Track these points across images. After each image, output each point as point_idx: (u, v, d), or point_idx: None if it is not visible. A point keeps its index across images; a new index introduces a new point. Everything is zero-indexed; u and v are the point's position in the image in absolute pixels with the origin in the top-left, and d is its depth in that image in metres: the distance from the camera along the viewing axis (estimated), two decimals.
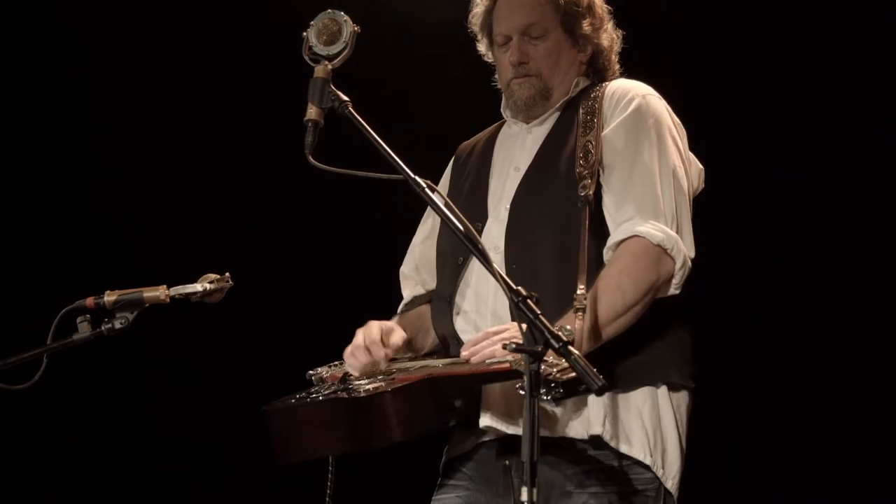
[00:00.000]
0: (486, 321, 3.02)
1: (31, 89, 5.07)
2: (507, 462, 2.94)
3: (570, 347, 2.38)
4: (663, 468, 2.96)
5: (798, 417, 4.69)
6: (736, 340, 4.65)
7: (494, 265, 2.51)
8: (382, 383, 2.81)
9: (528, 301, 2.43)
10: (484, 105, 3.33)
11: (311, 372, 3.11)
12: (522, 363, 2.41)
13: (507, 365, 2.69)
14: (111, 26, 5.05)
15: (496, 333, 2.83)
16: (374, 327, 3.08)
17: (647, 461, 2.93)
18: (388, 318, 3.23)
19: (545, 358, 2.50)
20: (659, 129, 3.04)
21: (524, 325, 2.60)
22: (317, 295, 5.12)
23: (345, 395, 2.81)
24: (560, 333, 2.39)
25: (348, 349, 3.06)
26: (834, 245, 4.66)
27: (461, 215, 2.59)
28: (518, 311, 2.43)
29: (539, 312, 2.41)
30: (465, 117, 3.44)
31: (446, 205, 2.60)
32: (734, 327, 4.64)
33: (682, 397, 3.03)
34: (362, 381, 2.89)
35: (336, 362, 3.12)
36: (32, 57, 5.06)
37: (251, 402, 3.04)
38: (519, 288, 2.44)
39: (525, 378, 2.38)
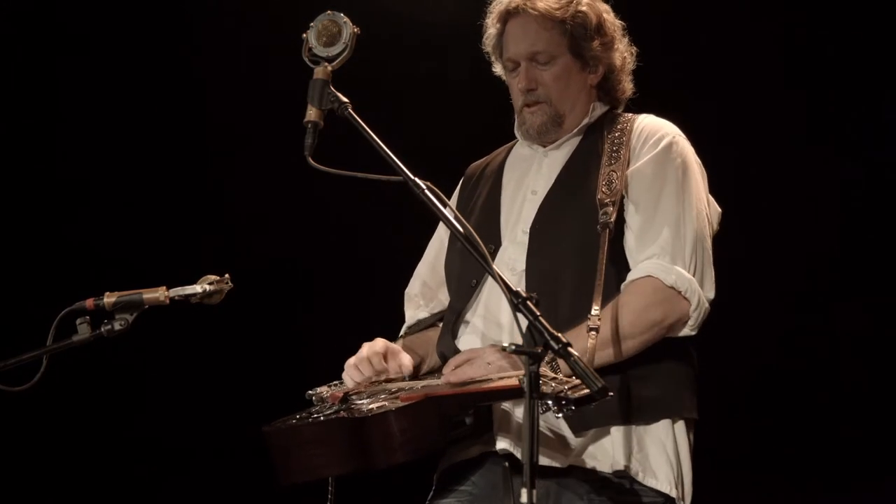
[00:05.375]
0: (492, 331, 3.01)
1: (31, 88, 5.06)
2: (506, 464, 2.93)
3: (570, 349, 2.37)
4: (683, 500, 2.96)
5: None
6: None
7: (495, 267, 2.50)
8: (386, 402, 2.76)
9: (528, 302, 2.42)
10: (484, 107, 3.32)
11: (310, 392, 3.06)
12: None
13: (516, 382, 2.63)
14: (110, 26, 5.04)
15: (478, 355, 2.83)
16: (379, 341, 3.07)
17: (674, 494, 2.93)
18: (390, 336, 3.21)
19: (555, 375, 2.51)
20: (685, 171, 3.03)
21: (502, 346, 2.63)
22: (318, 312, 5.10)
23: (347, 414, 2.76)
24: (560, 336, 2.38)
25: (351, 360, 3.03)
26: None
27: (463, 219, 2.57)
28: (518, 312, 2.42)
29: (539, 314, 2.40)
30: (465, 119, 3.43)
31: (449, 210, 2.58)
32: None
33: (691, 429, 3.02)
34: (364, 401, 2.84)
35: (336, 382, 3.08)
36: (33, 56, 5.06)
37: (252, 412, 3.02)
38: (518, 289, 2.44)
39: (524, 378, 2.36)
